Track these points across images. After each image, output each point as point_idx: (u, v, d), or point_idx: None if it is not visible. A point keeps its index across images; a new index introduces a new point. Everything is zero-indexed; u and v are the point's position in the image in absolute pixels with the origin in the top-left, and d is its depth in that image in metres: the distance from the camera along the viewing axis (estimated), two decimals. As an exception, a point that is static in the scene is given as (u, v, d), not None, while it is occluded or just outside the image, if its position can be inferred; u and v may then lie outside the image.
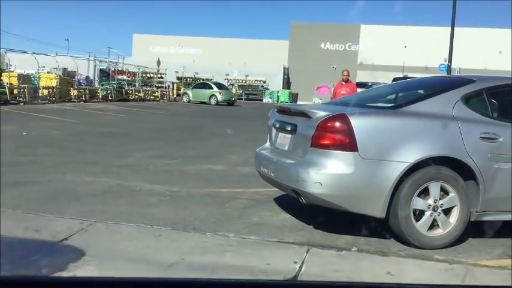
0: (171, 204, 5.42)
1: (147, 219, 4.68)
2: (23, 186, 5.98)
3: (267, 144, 5.40)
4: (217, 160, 8.88)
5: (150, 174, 7.22)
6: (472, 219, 4.35)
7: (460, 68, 32.62)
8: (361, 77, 46.86)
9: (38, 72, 28.25)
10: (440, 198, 4.20)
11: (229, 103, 35.19)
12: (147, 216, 4.81)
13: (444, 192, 4.22)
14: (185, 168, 7.89)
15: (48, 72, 31.33)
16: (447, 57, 24.17)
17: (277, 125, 5.06)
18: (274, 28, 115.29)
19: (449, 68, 24.47)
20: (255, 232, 4.45)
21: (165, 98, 37.90)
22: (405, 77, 24.94)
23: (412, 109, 4.43)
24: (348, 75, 11.74)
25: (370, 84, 31.82)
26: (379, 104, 5.04)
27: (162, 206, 5.33)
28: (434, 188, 4.18)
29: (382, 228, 4.35)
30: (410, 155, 4.10)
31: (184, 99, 36.66)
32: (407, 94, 5.33)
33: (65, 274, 3.24)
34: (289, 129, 4.75)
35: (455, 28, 23.38)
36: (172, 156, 9.17)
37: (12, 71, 28.72)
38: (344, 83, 11.59)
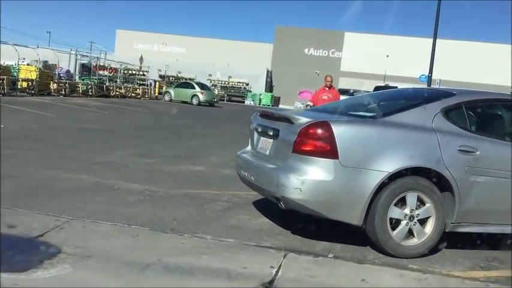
0: (149, 204, 5.40)
1: (125, 218, 4.64)
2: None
3: (249, 147, 5.41)
4: (198, 161, 8.87)
5: (130, 173, 7.18)
6: (446, 230, 4.43)
7: (440, 80, 33.13)
8: (343, 84, 47.24)
9: (18, 64, 27.79)
10: (416, 208, 4.27)
11: (211, 104, 35.15)
12: (125, 215, 4.78)
13: (421, 202, 4.30)
14: (165, 168, 7.86)
15: (28, 65, 30.83)
16: (428, 68, 24.52)
17: (260, 129, 5.08)
18: (258, 31, 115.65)
19: (429, 79, 24.84)
20: (233, 235, 4.46)
21: (146, 96, 37.61)
22: (386, 86, 25.26)
23: (392, 119, 4.49)
24: (331, 81, 11.46)
25: (351, 91, 32.12)
26: (361, 113, 5.10)
27: (140, 206, 5.30)
28: (411, 198, 4.25)
29: (358, 236, 4.40)
30: (389, 165, 4.16)
31: (166, 98, 36.48)
32: (388, 104, 5.40)
33: (40, 271, 3.21)
34: (271, 133, 4.77)
35: (437, 40, 23.76)
36: (153, 155, 9.12)
37: (-9, 62, 28.21)
38: (327, 89, 11.26)
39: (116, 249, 3.84)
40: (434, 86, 27.48)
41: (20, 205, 4.72)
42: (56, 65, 32.56)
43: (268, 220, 5.12)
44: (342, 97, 11.52)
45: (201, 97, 34.44)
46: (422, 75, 30.01)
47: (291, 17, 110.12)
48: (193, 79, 42.89)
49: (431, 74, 24.67)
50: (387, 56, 52.17)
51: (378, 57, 51.98)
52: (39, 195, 5.35)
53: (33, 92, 24.93)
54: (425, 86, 24.09)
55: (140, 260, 3.62)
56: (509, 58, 44.37)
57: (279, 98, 49.85)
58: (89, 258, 3.54)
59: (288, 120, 4.55)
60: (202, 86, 36.71)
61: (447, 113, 4.55)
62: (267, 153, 4.80)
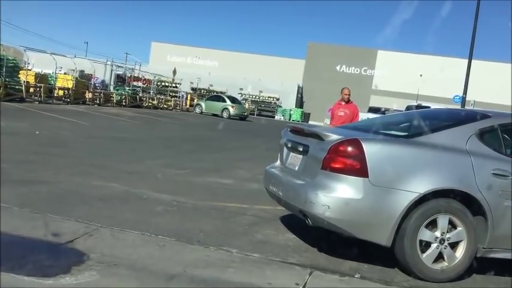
0: (177, 215, 5.43)
1: (152, 228, 4.68)
2: (32, 185, 6.02)
3: (278, 162, 5.40)
4: (226, 174, 8.89)
5: (159, 183, 7.25)
6: (478, 255, 4.31)
7: (474, 101, 32.49)
8: (374, 102, 46.89)
9: (55, 73, 28.54)
10: (447, 231, 4.17)
11: (242, 118, 35.31)
12: (153, 225, 4.81)
13: (452, 225, 4.19)
14: (193, 180, 7.91)
15: (65, 74, 31.65)
16: (462, 89, 24.09)
17: (289, 145, 5.08)
18: (291, 47, 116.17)
19: (463, 100, 24.38)
20: (259, 250, 4.44)
21: (178, 108, 38.12)
22: (419, 106, 24.95)
23: (425, 140, 4.42)
24: (349, 95, 9.90)
25: (383, 109, 31.85)
26: (393, 132, 5.04)
27: (168, 216, 5.33)
28: (442, 221, 4.15)
29: (387, 257, 4.32)
30: (420, 186, 4.08)
31: (197, 110, 36.88)
32: (421, 124, 5.31)
33: (68, 277, 3.25)
34: (301, 149, 4.75)
35: (472, 60, 23.36)
36: (182, 166, 9.19)
37: (30, 70, 29.04)
38: (343, 103, 9.80)
39: (142, 258, 3.86)
40: (468, 107, 26.97)
41: (51, 211, 4.81)
42: (92, 74, 33.29)
43: (294, 236, 5.08)
44: (372, 115, 11.16)
45: (232, 111, 34.66)
46: (456, 96, 29.50)
47: (324, 33, 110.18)
48: (225, 92, 43.25)
49: (466, 95, 24.21)
50: (420, 75, 51.55)
51: (411, 76, 51.45)
52: (70, 201, 5.44)
53: (68, 100, 25.55)
54: (459, 107, 23.65)
55: (166, 270, 3.64)
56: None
57: (309, 114, 49.79)
58: (116, 267, 3.57)
59: (318, 136, 4.53)
60: (233, 100, 36.97)
61: (482, 135, 4.45)
62: (296, 169, 4.78)
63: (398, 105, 41.04)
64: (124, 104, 30.65)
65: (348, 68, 56.30)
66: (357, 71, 56.19)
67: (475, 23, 22.75)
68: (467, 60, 22.97)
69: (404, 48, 59.31)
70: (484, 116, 4.76)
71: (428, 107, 16.15)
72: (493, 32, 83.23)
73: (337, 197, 4.11)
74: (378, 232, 4.13)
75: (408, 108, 23.83)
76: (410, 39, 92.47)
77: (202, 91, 49.85)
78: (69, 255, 3.72)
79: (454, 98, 30.84)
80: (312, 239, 4.90)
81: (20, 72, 24.58)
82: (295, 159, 4.88)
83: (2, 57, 22.18)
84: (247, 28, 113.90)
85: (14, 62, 24.20)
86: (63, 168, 7.47)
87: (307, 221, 4.38)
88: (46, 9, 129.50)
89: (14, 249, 3.70)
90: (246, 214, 5.85)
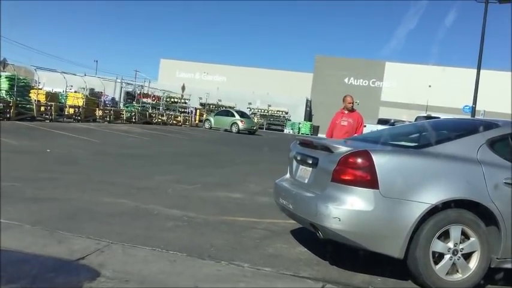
0: (187, 230, 5.42)
1: (163, 243, 4.68)
2: (43, 202, 6.06)
3: (287, 175, 5.39)
4: (235, 188, 8.89)
5: (169, 199, 7.25)
6: (492, 266, 4.25)
7: (484, 111, 32.32)
8: (383, 113, 46.77)
9: (66, 91, 28.85)
10: (460, 242, 4.13)
11: (251, 132, 35.37)
12: (163, 240, 4.81)
13: (465, 236, 4.15)
14: (203, 194, 7.91)
15: (75, 92, 32.01)
16: (472, 99, 24.00)
17: (299, 158, 5.07)
18: (298, 60, 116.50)
19: (473, 110, 24.27)
20: (270, 264, 4.41)
21: (187, 123, 38.30)
22: (428, 116, 24.82)
23: (435, 150, 4.39)
24: (353, 103, 9.26)
25: (392, 121, 31.73)
26: (403, 143, 5.01)
27: (178, 231, 5.33)
28: (455, 232, 4.11)
29: (399, 269, 4.27)
30: (432, 196, 4.05)
31: (206, 125, 37.03)
32: (431, 134, 5.28)
33: (79, 294, 3.25)
34: (310, 162, 4.75)
35: (481, 70, 23.29)
36: (191, 181, 9.20)
37: (41, 89, 29.40)
38: (346, 112, 9.13)
39: (153, 274, 3.86)
40: (478, 117, 26.81)
41: (62, 227, 4.84)
42: (102, 92, 33.63)
43: (306, 250, 5.05)
44: (381, 127, 10.97)
45: (241, 125, 34.75)
46: (466, 106, 29.40)
47: (331, 46, 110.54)
48: (233, 107, 43.44)
49: (476, 105, 24.11)
50: (429, 86, 51.46)
51: (420, 87, 51.35)
52: (81, 218, 5.46)
53: (79, 118, 25.79)
54: (469, 117, 23.54)
55: (177, 285, 3.63)
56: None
57: (318, 127, 49.72)
58: (128, 283, 3.57)
59: (327, 148, 4.52)
60: (242, 114, 37.08)
61: (492, 144, 4.42)
62: (306, 181, 4.77)
63: (407, 116, 40.91)
64: (134, 120, 30.88)
65: (356, 80, 56.32)
66: (365, 83, 56.19)
67: (482, 32, 22.73)
68: (471, 69, 22.91)
69: (412, 60, 59.25)
70: (494, 125, 4.72)
71: (438, 118, 16.05)
72: (503, 41, 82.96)
73: (347, 209, 4.08)
74: (390, 244, 4.09)
75: (418, 119, 23.74)
76: (418, 50, 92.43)
77: (211, 106, 50.12)
78: (81, 272, 3.72)
79: (464, 108, 30.74)
80: (323, 252, 4.87)
81: (31, 91, 24.90)
82: (304, 172, 4.87)
83: (13, 77, 22.50)
84: (254, 43, 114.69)
85: (25, 81, 24.56)
86: (73, 185, 7.51)
87: (318, 234, 4.35)
88: (56, 29, 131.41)
89: (26, 267, 3.72)
90: (257, 228, 5.83)
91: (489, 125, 4.74)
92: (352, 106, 9.22)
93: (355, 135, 8.35)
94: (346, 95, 9.37)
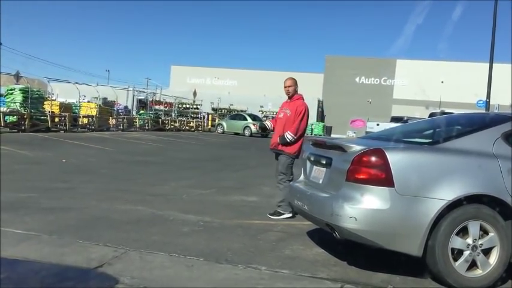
0: (203, 235, 5.43)
1: (180, 249, 4.69)
2: (60, 212, 6.11)
3: (301, 177, 5.38)
4: (250, 191, 8.88)
5: (184, 204, 7.27)
6: (512, 261, 4.19)
7: (499, 105, 31.94)
8: (396, 111, 46.47)
9: (79, 102, 29.15)
10: (479, 238, 4.07)
11: (263, 135, 35.33)
12: (180, 246, 4.82)
13: (484, 231, 4.09)
14: (218, 199, 7.92)
15: (88, 102, 32.35)
16: (485, 93, 23.75)
17: (312, 158, 5.05)
18: (308, 61, 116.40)
19: (487, 105, 24.01)
20: (288, 266, 4.40)
21: (199, 129, 38.44)
22: (442, 113, 24.62)
23: (450, 146, 4.35)
24: (290, 87, 6.88)
25: (405, 118, 31.52)
26: (417, 140, 4.97)
27: (195, 236, 5.34)
28: (473, 227, 4.06)
29: (418, 267, 4.23)
30: (448, 193, 4.00)
31: (219, 130, 37.11)
32: (445, 130, 5.23)
33: (99, 301, 3.27)
34: (324, 162, 4.73)
35: (494, 64, 23.05)
36: (206, 186, 9.22)
37: (54, 100, 29.73)
38: (288, 101, 7.06)
39: (171, 279, 3.86)
40: (493, 111, 26.50)
41: (80, 236, 4.88)
42: (114, 101, 33.89)
43: (323, 250, 5.03)
44: (393, 125, 10.41)
45: (253, 128, 34.74)
46: (480, 100, 29.12)
47: (341, 46, 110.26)
48: (245, 111, 43.45)
49: (489, 99, 23.85)
50: (442, 81, 51.00)
51: (432, 83, 50.88)
52: (98, 226, 5.50)
53: (93, 127, 26.04)
54: (483, 111, 23.30)
55: (195, 290, 3.62)
56: None
57: (331, 127, 49.56)
58: (146, 289, 3.58)
59: (340, 148, 4.50)
60: (254, 118, 37.09)
61: (508, 137, 4.36)
62: (320, 182, 4.75)
63: (420, 113, 40.66)
64: (147, 128, 31.08)
65: (367, 79, 55.97)
66: (376, 81, 55.82)
67: (493, 25, 22.50)
68: (484, 63, 22.69)
69: (423, 56, 58.68)
70: (509, 118, 4.66)
71: (452, 114, 15.91)
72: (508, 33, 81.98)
73: (363, 208, 4.05)
74: (407, 242, 4.05)
75: (432, 115, 23.56)
76: (429, 46, 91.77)
77: (223, 111, 50.21)
78: (99, 280, 3.75)
79: (477, 102, 30.45)
80: (340, 253, 4.84)
81: (45, 102, 25.18)
82: (318, 173, 4.85)
83: (26, 89, 22.78)
84: (264, 46, 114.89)
85: (39, 93, 24.87)
86: (90, 194, 7.56)
87: (334, 234, 4.33)
88: (68, 40, 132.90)
89: (45, 277, 3.75)
90: (273, 230, 5.82)
91: (504, 119, 4.68)
92: (294, 91, 6.91)
93: (288, 132, 6.76)
94: (285, 79, 7.14)
